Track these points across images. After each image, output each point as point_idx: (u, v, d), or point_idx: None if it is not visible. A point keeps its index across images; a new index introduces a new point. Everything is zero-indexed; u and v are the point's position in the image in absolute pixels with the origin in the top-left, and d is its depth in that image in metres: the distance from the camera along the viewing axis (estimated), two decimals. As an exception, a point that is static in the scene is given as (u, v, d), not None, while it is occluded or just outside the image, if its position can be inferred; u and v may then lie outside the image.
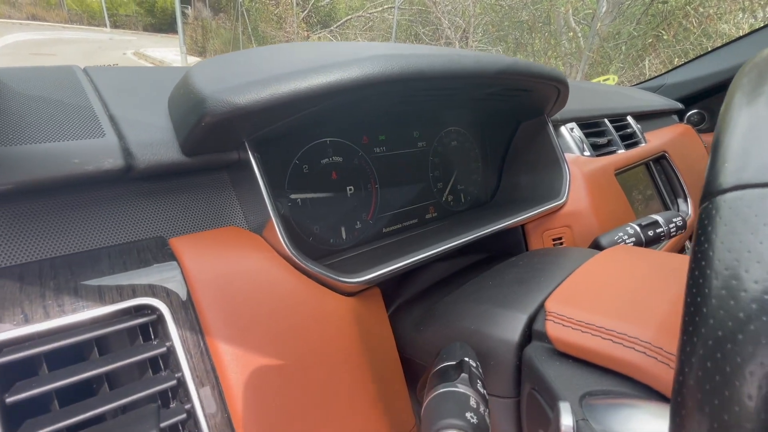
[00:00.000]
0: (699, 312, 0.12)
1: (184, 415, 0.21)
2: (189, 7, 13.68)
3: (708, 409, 0.11)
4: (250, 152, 0.28)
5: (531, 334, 0.27)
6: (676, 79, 1.30)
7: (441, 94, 0.40)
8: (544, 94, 0.46)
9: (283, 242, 0.29)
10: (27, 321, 0.19)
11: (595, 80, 1.70)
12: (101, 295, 0.22)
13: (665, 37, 3.58)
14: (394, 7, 8.39)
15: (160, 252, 0.25)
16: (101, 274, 0.22)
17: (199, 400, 0.22)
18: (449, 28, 6.23)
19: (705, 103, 1.27)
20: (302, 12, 9.29)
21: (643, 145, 0.79)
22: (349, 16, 9.34)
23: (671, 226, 0.41)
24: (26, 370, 0.20)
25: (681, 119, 1.30)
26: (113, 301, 0.22)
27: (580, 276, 0.29)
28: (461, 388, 0.22)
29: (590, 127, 0.67)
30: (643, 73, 3.74)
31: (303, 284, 0.29)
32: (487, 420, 0.21)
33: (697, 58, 1.31)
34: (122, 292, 0.22)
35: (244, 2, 9.92)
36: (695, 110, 1.27)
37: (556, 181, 0.50)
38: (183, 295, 0.23)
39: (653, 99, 1.16)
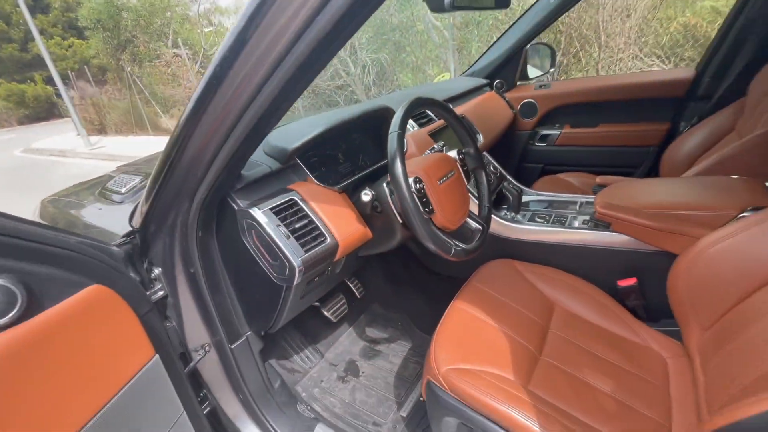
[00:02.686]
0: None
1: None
2: (70, 89, 13.12)
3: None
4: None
5: None
6: (482, 64, 2.08)
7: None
8: (387, 115, 1.15)
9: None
10: None
11: (437, 79, 2.47)
12: None
13: (500, 17, 4.63)
14: (281, 39, 8.98)
15: None
16: None
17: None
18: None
19: (502, 74, 2.06)
20: (195, 65, 9.53)
21: (452, 114, 1.52)
22: (242, 57, 9.77)
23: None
24: None
25: (492, 88, 2.08)
26: None
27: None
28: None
29: (418, 116, 1.38)
30: (496, 47, 4.73)
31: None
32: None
33: (491, 46, 2.09)
34: None
35: (132, 70, 9.93)
36: (498, 80, 2.06)
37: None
38: None
39: (467, 82, 1.92)
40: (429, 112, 1.42)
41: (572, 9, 4.11)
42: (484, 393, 0.79)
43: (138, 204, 0.89)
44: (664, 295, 0.93)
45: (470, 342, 0.91)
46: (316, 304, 1.39)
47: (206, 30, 10.25)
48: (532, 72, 2.07)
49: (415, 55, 5.95)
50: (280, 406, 1.12)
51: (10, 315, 0.51)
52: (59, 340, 0.57)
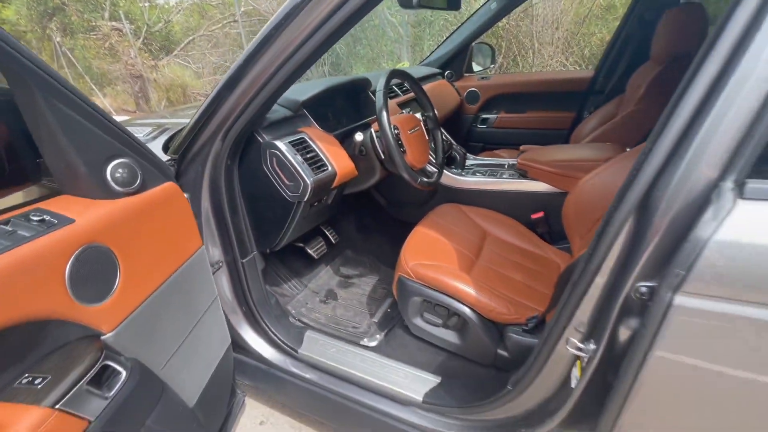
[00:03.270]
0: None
1: None
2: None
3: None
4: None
5: None
6: (436, 56, 2.46)
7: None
8: (366, 85, 1.46)
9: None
10: None
11: (397, 66, 2.82)
12: None
13: (450, 18, 5.12)
14: (234, 22, 8.80)
15: None
16: None
17: None
18: (294, 34, 7.04)
19: (452, 66, 2.46)
20: (138, 41, 8.99)
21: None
22: (190, 38, 9.39)
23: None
24: None
25: (444, 77, 2.47)
26: None
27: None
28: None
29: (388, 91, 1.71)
30: (446, 46, 5.19)
31: None
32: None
33: (444, 41, 2.48)
34: None
35: (63, 42, 9.12)
36: (448, 71, 2.45)
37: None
38: None
39: (423, 70, 2.29)
40: (396, 89, 1.76)
41: (512, 17, 4.65)
42: (438, 274, 1.14)
43: (170, 139, 1.12)
44: (561, 223, 1.36)
45: (429, 249, 1.27)
46: (301, 245, 1.67)
47: (147, 4, 9.69)
48: (476, 66, 2.49)
49: (370, 48, 6.26)
50: (277, 317, 1.40)
51: (135, 185, 0.76)
52: (156, 211, 0.82)
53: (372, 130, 1.22)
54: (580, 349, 0.76)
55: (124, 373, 0.65)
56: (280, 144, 1.08)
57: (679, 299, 0.54)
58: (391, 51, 6.50)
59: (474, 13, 2.22)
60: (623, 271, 0.67)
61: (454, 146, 1.69)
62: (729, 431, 0.61)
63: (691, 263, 0.53)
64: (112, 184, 0.72)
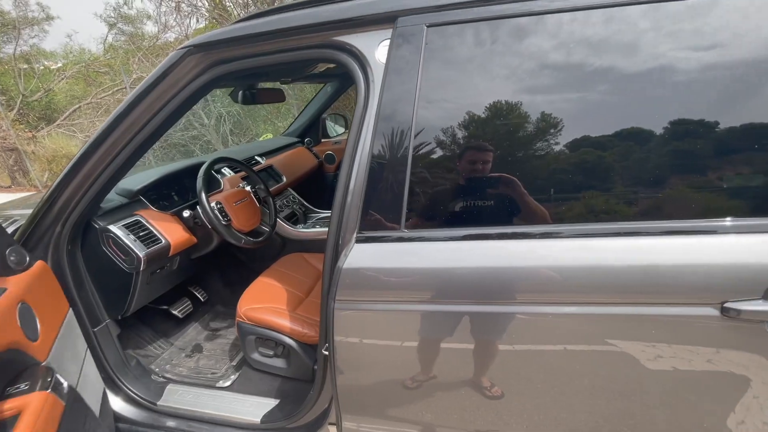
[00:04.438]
0: None
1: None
2: None
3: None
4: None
5: None
6: (294, 126, 2.91)
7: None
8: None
9: None
10: None
11: (262, 137, 3.24)
12: None
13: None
14: (123, 89, 8.69)
15: None
16: None
17: None
18: (188, 100, 7.20)
19: (308, 135, 2.91)
20: (11, 112, 8.37)
21: (261, 163, 2.23)
22: (77, 106, 9.00)
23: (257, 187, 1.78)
24: None
25: (303, 144, 2.90)
26: None
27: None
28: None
29: (232, 167, 2.05)
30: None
31: None
32: None
33: (299, 114, 2.94)
34: None
35: None
36: (307, 138, 2.90)
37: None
38: None
39: (282, 140, 2.70)
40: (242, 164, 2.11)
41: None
42: (264, 314, 1.45)
43: (18, 229, 1.32)
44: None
45: (263, 294, 1.57)
46: (165, 307, 1.86)
47: (22, 71, 9.14)
48: (331, 132, 2.98)
49: (265, 110, 6.70)
50: (137, 377, 1.56)
51: (25, 264, 0.99)
52: (41, 281, 1.05)
53: (198, 206, 1.53)
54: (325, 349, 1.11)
55: (65, 383, 0.95)
56: (114, 227, 1.33)
57: (334, 304, 0.92)
58: (287, 110, 7.02)
59: (316, 94, 2.72)
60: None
61: (295, 206, 2.06)
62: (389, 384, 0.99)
63: (337, 280, 0.91)
64: (12, 265, 0.95)
